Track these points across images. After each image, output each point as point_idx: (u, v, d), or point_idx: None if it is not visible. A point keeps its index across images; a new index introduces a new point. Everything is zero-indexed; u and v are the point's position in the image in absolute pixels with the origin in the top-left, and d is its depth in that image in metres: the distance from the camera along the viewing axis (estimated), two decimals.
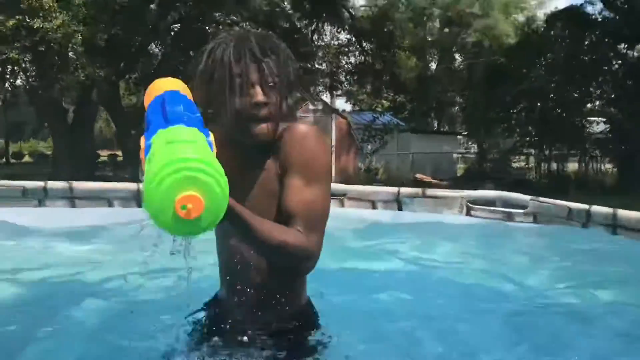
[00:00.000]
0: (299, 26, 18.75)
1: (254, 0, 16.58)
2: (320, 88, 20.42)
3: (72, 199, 4.87)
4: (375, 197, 5.11)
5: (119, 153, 23.06)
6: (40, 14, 11.22)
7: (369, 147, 18.81)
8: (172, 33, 17.17)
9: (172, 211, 1.06)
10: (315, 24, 19.04)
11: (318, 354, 1.52)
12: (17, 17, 11.19)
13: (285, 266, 1.38)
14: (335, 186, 5.75)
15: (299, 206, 1.35)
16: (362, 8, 20.47)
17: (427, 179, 17.76)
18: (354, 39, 18.75)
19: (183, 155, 1.07)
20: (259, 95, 1.35)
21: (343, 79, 19.86)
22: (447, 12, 22.64)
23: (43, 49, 11.79)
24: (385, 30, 17.13)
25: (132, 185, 4.99)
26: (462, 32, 22.77)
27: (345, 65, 19.69)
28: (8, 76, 15.44)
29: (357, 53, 19.34)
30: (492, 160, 20.91)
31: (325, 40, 19.88)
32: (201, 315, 1.63)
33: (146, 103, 1.34)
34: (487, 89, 19.21)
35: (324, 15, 18.46)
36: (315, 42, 19.37)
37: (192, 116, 1.22)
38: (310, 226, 1.35)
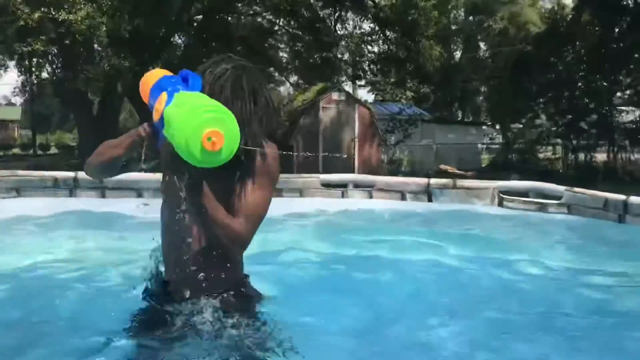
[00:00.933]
0: (321, 15, 18.57)
1: None
2: (343, 78, 20.23)
3: (102, 189, 4.93)
4: (404, 188, 5.02)
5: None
6: (65, 6, 11.28)
7: (392, 138, 18.57)
8: (195, 24, 17.17)
9: (200, 142, 1.42)
10: (338, 12, 18.84)
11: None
12: (42, 9, 11.25)
13: (221, 244, 1.73)
14: (363, 177, 5.67)
15: (245, 204, 1.74)
16: None
17: (452, 169, 17.53)
18: (377, 27, 18.50)
19: (210, 104, 1.51)
20: None
21: (366, 68, 19.63)
22: None
23: (68, 41, 11.85)
24: (410, 18, 16.85)
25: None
26: (487, 19, 22.39)
27: (369, 55, 19.47)
28: (34, 69, 15.61)
29: (380, 42, 19.09)
30: (517, 150, 20.57)
31: (348, 29, 19.69)
32: (148, 291, 1.91)
33: (146, 86, 1.72)
34: (513, 78, 18.86)
35: (347, 3, 18.24)
36: (338, 32, 19.18)
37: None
38: (250, 221, 1.74)
